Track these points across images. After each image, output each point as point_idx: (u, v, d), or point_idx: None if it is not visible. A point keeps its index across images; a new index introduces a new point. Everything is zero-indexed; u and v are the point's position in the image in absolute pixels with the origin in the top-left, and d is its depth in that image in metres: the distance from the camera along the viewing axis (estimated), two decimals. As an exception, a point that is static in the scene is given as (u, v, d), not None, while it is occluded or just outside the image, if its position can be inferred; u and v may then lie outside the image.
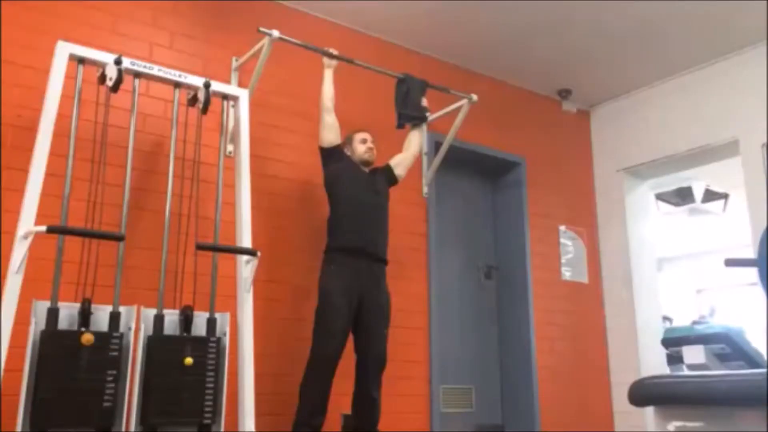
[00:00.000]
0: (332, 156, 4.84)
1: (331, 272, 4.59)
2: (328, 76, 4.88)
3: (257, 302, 4.51)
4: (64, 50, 3.84)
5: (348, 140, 4.99)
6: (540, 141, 7.09)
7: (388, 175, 5.06)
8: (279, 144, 5.25)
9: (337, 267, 4.59)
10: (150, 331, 3.76)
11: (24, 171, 3.68)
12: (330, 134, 4.81)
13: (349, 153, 4.95)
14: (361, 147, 4.94)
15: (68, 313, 3.55)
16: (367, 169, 4.95)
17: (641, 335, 6.76)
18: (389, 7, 5.66)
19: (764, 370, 3.04)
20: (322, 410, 4.40)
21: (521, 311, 6.51)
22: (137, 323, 3.70)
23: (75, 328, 3.54)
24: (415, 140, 5.25)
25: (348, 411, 4.74)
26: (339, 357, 4.45)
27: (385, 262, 4.79)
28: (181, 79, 4.24)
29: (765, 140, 5.94)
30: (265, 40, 4.67)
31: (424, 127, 5.39)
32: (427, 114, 5.24)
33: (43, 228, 3.39)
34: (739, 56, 6.34)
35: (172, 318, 3.87)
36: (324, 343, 4.43)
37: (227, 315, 4.03)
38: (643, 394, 3.39)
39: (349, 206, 4.72)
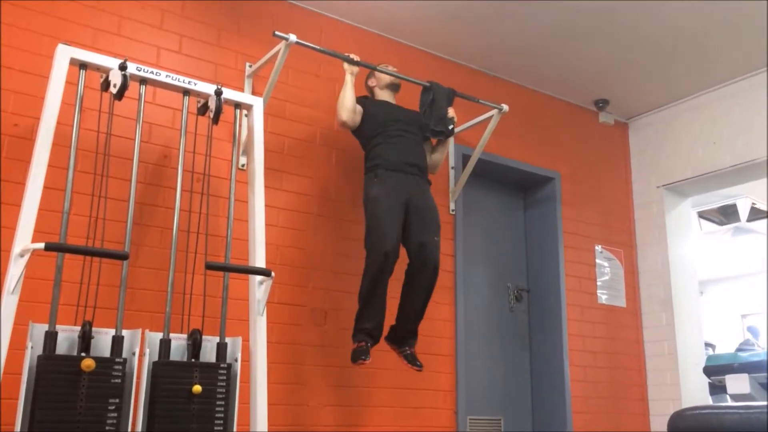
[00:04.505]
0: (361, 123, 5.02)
1: (375, 182, 4.76)
2: (349, 83, 4.87)
3: (271, 326, 4.46)
4: (64, 54, 3.81)
5: (371, 72, 5.24)
6: (575, 154, 7.02)
7: (423, 131, 5.15)
8: (295, 156, 5.20)
9: (381, 178, 4.76)
10: (155, 357, 3.71)
11: (21, 184, 3.67)
12: (357, 120, 4.93)
13: (373, 84, 5.22)
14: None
15: (67, 336, 3.50)
16: (394, 97, 5.20)
17: (682, 363, 6.68)
18: (414, 9, 5.61)
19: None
20: (381, 315, 4.61)
21: (554, 337, 6.43)
22: (142, 348, 3.66)
23: (75, 352, 3.49)
24: (438, 157, 5.30)
25: None
26: (395, 256, 4.57)
27: (428, 180, 5.00)
28: (191, 86, 4.20)
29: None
30: (281, 45, 4.62)
31: (449, 141, 5.33)
32: (452, 127, 5.17)
33: (41, 245, 3.34)
34: (788, 64, 6.27)
35: (179, 342, 3.82)
36: (377, 242, 4.56)
37: (239, 340, 3.97)
38: (684, 426, 3.33)
39: (382, 137, 4.89)
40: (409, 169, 4.83)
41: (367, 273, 4.57)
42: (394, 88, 5.17)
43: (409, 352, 4.74)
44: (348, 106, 4.80)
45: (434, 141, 5.25)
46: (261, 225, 4.22)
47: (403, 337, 4.78)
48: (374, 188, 4.72)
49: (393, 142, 4.86)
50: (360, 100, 4.97)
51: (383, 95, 5.15)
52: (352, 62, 4.89)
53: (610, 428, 6.47)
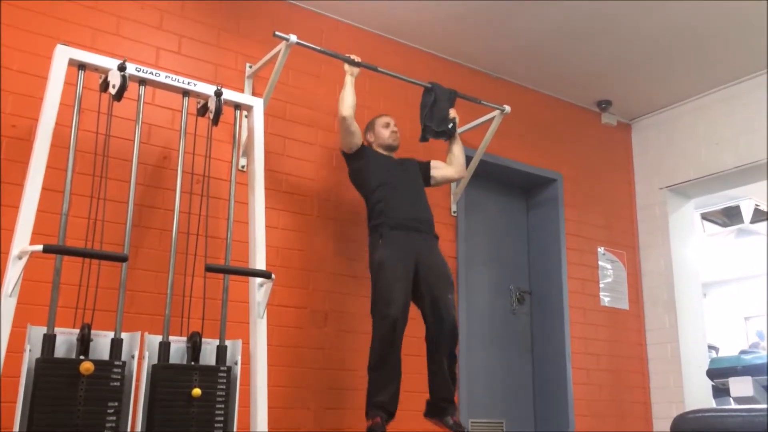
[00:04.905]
0: (356, 156, 4.87)
1: (381, 244, 4.60)
2: (350, 84, 4.83)
3: (271, 329, 4.44)
4: (63, 55, 3.80)
5: (370, 126, 5.09)
6: (577, 156, 7.00)
7: (423, 170, 5.08)
8: (295, 157, 5.19)
9: (386, 238, 4.60)
10: (155, 360, 3.68)
11: (19, 185, 3.66)
12: (354, 140, 4.82)
13: (371, 139, 5.03)
14: (385, 132, 5.01)
15: (66, 339, 3.48)
16: (392, 154, 5.02)
17: (685, 366, 6.67)
18: (414, 9, 5.59)
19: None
20: (395, 386, 4.42)
21: (556, 339, 6.42)
22: (141, 351, 3.64)
23: (73, 355, 3.47)
24: (458, 154, 5.23)
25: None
26: (404, 322, 4.42)
27: (435, 235, 4.83)
28: (190, 87, 4.18)
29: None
30: (282, 46, 4.61)
31: (458, 138, 5.27)
32: (450, 126, 5.15)
33: (40, 247, 3.32)
34: (790, 65, 6.26)
35: (178, 345, 3.80)
36: (385, 309, 4.40)
37: (239, 342, 3.95)
38: (687, 428, 3.32)
39: (384, 190, 4.74)
40: (415, 225, 4.71)
41: (375, 342, 4.43)
42: (390, 149, 5.01)
43: (452, 422, 4.51)
44: (349, 103, 4.73)
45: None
46: (261, 227, 4.19)
47: (443, 408, 4.57)
48: (380, 250, 4.58)
49: (396, 196, 4.73)
50: (362, 148, 4.88)
51: (381, 152, 5.01)
52: (352, 63, 4.86)
53: (613, 431, 6.46)
